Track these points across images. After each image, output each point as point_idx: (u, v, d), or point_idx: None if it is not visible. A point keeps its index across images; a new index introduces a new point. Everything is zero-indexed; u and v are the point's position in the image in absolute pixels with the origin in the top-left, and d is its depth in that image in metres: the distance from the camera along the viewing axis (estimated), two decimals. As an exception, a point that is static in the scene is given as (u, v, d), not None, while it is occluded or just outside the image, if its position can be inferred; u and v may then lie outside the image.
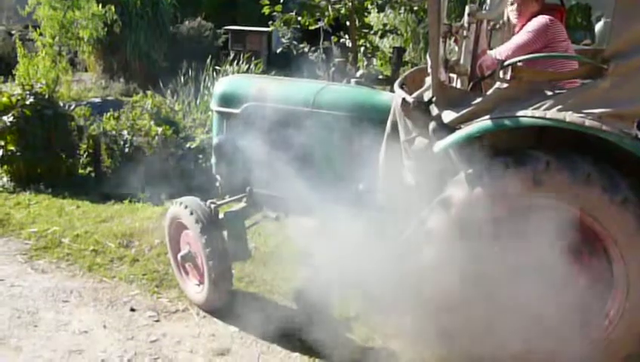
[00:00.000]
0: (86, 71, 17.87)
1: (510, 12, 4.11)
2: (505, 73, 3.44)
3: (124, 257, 5.59)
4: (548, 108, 3.23)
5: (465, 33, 3.76)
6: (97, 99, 13.48)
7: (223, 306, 4.57)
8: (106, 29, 14.19)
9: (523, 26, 4.02)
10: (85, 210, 6.87)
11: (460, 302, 3.53)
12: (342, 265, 4.71)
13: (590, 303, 3.36)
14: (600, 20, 4.04)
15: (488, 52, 3.95)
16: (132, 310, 4.72)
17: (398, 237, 3.85)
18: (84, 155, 8.91)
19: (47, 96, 8.52)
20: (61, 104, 9.02)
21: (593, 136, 3.13)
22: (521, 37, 3.80)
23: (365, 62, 10.33)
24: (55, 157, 8.24)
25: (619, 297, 3.33)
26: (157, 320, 4.59)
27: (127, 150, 8.40)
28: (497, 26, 4.74)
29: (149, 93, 9.85)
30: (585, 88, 3.31)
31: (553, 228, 3.23)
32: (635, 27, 3.08)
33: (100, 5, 13.85)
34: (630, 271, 3.24)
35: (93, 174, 8.80)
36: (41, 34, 13.32)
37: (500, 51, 3.84)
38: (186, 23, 19.62)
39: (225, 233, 4.52)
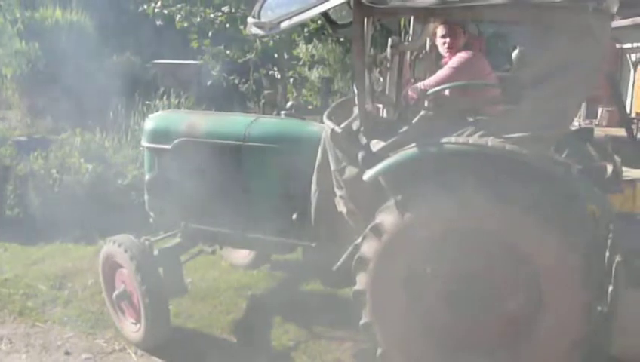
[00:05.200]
0: (10, 109, 17.39)
1: (440, 46, 4.23)
2: (429, 102, 3.58)
3: (56, 299, 5.43)
4: (471, 135, 3.37)
5: (388, 65, 3.89)
6: (23, 138, 13.10)
7: (162, 344, 4.50)
8: (30, 66, 13.90)
9: (450, 58, 4.15)
10: (14, 253, 6.67)
11: (396, 327, 3.61)
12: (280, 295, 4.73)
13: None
14: (515, 49, 4.25)
15: (413, 85, 4.07)
16: (67, 354, 4.59)
17: (332, 266, 3.92)
18: (12, 196, 8.64)
19: (-31, 137, 8.29)
20: (-16, 144, 8.78)
21: None
22: (444, 72, 3.94)
23: (295, 93, 10.47)
24: (-20, 199, 7.99)
25: None
26: (93, 363, 4.49)
27: (56, 189, 8.21)
28: (420, 56, 4.91)
29: (77, 130, 9.69)
30: (505, 114, 3.48)
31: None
32: (547, 55, 3.28)
33: (24, 42, 13.58)
34: None
35: (21, 215, 8.54)
36: (-39, 72, 12.98)
37: (425, 84, 3.98)
38: (114, 57, 19.38)
39: (160, 269, 4.49)
